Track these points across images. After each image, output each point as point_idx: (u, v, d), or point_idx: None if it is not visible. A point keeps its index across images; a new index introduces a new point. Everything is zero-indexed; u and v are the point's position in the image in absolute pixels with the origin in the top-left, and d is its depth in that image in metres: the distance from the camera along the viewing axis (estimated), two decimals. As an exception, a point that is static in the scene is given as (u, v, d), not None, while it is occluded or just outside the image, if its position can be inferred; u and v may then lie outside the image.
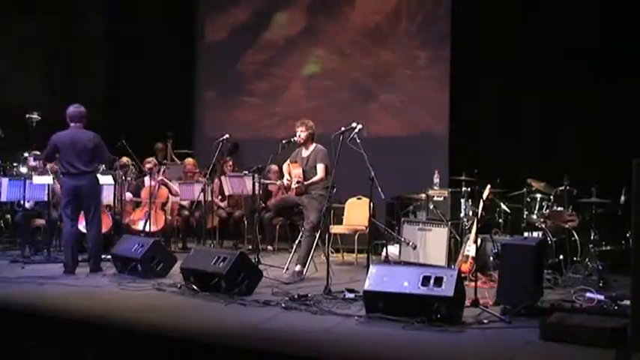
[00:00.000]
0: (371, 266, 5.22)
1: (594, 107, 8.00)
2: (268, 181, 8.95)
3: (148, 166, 8.66)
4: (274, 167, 8.83)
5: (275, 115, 10.82)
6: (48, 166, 8.15)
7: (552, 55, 8.30)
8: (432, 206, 7.28)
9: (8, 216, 8.73)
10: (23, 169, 8.18)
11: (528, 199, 7.45)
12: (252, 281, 5.88)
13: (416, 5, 9.77)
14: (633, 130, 7.49)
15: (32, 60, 11.48)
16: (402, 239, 7.28)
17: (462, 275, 5.57)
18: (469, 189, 7.38)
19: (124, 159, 8.93)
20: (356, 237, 7.97)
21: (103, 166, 7.96)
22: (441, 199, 7.28)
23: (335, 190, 6.95)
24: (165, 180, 8.70)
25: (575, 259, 6.89)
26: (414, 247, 7.16)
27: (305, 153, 7.02)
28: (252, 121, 11.01)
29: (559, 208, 7.24)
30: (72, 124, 6.99)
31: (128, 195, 8.69)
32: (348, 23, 10.28)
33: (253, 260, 6.27)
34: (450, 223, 7.05)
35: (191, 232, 9.27)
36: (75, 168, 6.85)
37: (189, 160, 9.58)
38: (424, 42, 9.70)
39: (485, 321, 4.89)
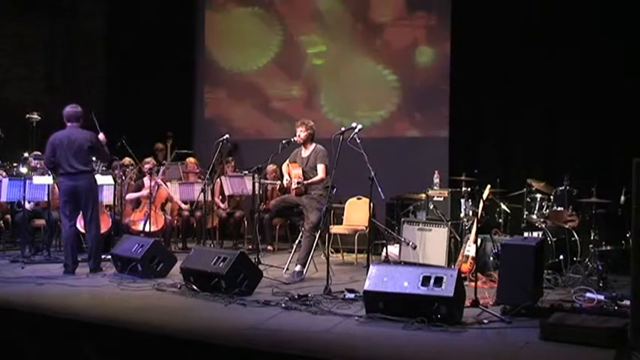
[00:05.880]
0: (371, 266, 5.22)
1: (594, 107, 8.01)
2: (268, 181, 8.97)
3: (147, 166, 8.66)
4: (271, 167, 8.85)
5: (275, 115, 10.82)
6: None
7: (552, 55, 8.30)
8: (432, 206, 7.28)
9: (8, 216, 8.72)
10: (23, 169, 8.18)
11: (528, 199, 7.46)
12: (252, 281, 5.88)
13: (416, 4, 9.78)
14: (633, 130, 7.49)
15: (32, 60, 11.50)
16: (402, 239, 7.27)
17: (462, 275, 5.57)
18: (469, 189, 7.38)
19: (126, 159, 8.94)
20: (356, 237, 7.97)
21: (103, 166, 7.97)
22: (441, 199, 7.27)
23: (335, 190, 6.95)
24: (161, 182, 8.67)
25: (575, 259, 6.89)
26: (414, 247, 7.16)
27: (305, 153, 7.02)
28: (252, 121, 11.02)
29: (559, 208, 7.24)
30: (68, 124, 6.98)
31: (130, 195, 8.69)
32: (349, 23, 10.28)
33: (253, 260, 6.26)
34: (450, 223, 7.05)
35: (191, 232, 9.28)
36: (72, 167, 6.84)
37: (191, 160, 9.58)
38: (424, 41, 9.70)
39: (485, 321, 4.89)
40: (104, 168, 8.08)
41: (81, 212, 7.06)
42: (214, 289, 5.77)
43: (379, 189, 6.23)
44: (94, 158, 7.29)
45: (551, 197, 7.28)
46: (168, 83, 11.02)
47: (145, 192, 8.53)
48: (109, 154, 7.54)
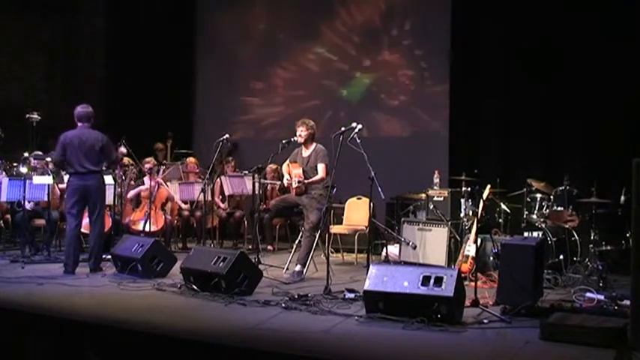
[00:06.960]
0: (371, 266, 5.22)
1: (594, 107, 7.99)
2: (268, 181, 8.97)
3: (147, 166, 8.66)
4: (271, 167, 8.85)
5: (275, 115, 10.82)
6: (50, 165, 8.15)
7: (552, 54, 8.30)
8: (432, 206, 7.28)
9: (8, 216, 8.72)
10: (23, 169, 8.17)
11: (528, 199, 7.46)
12: (252, 281, 5.88)
13: (415, 3, 9.78)
14: (633, 130, 7.49)
15: (32, 60, 11.50)
16: (402, 239, 7.27)
17: (462, 275, 5.57)
18: (469, 189, 7.38)
19: (125, 159, 8.94)
20: (356, 237, 7.97)
21: (103, 167, 7.97)
22: (441, 199, 7.27)
23: (335, 190, 6.95)
24: (162, 182, 8.67)
25: (575, 259, 6.90)
26: (414, 247, 7.16)
27: (305, 153, 7.02)
28: (252, 121, 11.02)
29: (559, 208, 7.24)
30: (79, 124, 7.02)
31: (131, 193, 8.68)
32: (348, 22, 10.28)
33: (253, 260, 6.26)
34: (450, 223, 7.05)
35: (191, 232, 9.28)
36: (83, 167, 6.88)
37: (191, 160, 9.58)
38: (424, 41, 9.70)
39: (485, 321, 4.89)
40: (104, 168, 8.08)
41: (86, 211, 7.07)
42: (214, 289, 5.77)
43: (379, 189, 6.23)
44: None
45: (551, 197, 7.28)
46: (169, 83, 11.02)
47: (144, 187, 8.54)
48: (117, 158, 7.63)
